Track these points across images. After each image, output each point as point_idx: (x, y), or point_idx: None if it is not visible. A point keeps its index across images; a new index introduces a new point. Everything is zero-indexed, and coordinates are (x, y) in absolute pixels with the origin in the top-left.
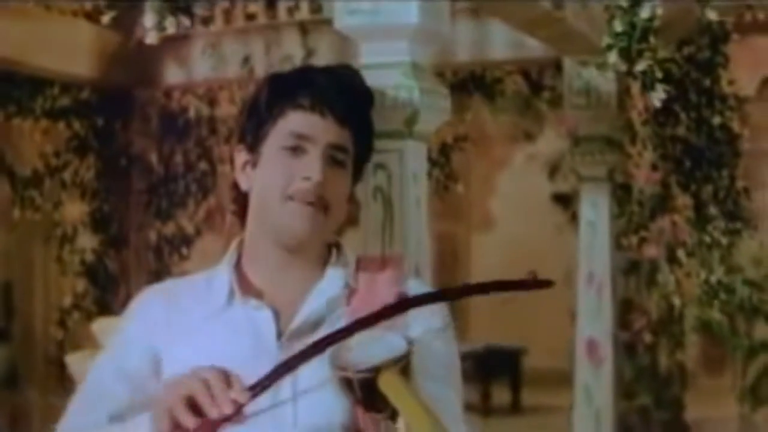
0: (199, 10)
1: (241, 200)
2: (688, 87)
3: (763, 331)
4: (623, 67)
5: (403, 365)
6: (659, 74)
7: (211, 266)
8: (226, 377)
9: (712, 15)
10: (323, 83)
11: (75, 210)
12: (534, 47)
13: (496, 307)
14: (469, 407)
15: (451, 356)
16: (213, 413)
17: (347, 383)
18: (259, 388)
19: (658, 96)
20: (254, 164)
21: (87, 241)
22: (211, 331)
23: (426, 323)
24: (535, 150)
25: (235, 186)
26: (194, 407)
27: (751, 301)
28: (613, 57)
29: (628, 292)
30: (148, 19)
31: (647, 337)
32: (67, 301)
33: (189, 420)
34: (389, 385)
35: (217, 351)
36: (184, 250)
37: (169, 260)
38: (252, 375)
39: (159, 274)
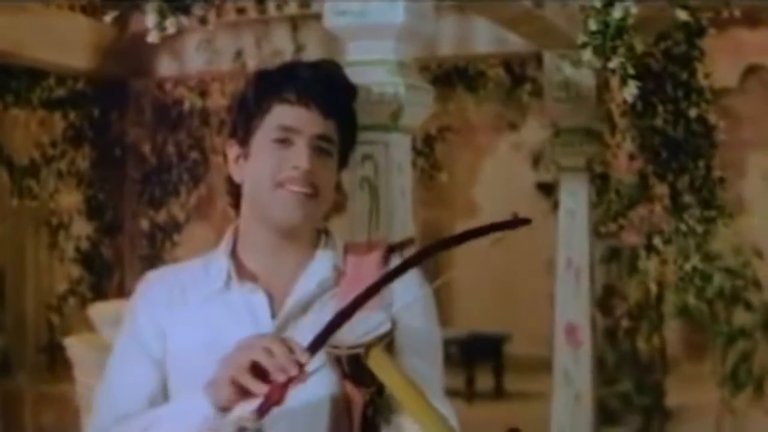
0: (197, 10)
1: (235, 191)
2: (665, 80)
3: (742, 318)
4: (597, 64)
5: (387, 342)
6: (632, 71)
7: (201, 252)
8: (286, 342)
9: (682, 15)
10: (307, 78)
11: (71, 198)
12: (516, 42)
13: (480, 295)
14: (453, 392)
15: (433, 334)
16: (280, 377)
17: (337, 359)
18: (316, 347)
19: (630, 92)
20: (246, 157)
21: (82, 228)
22: (210, 313)
23: (409, 303)
24: (518, 139)
25: (229, 179)
26: (260, 374)
27: (731, 289)
28: (587, 54)
29: (609, 278)
30: (150, 20)
31: (626, 322)
32: (63, 287)
33: (257, 386)
34: (375, 360)
35: (216, 331)
36: (176, 237)
37: (161, 247)
38: None
39: (152, 260)
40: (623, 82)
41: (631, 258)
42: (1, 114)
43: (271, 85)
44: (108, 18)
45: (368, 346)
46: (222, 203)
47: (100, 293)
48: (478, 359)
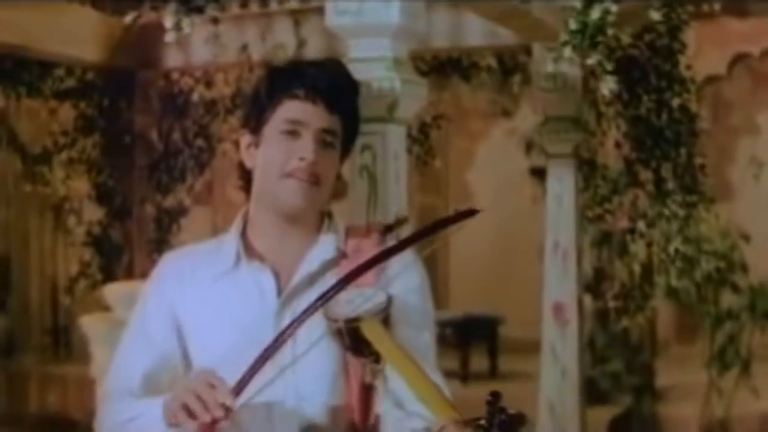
0: (210, 11)
1: (246, 176)
2: (649, 71)
3: (730, 300)
4: (577, 61)
5: (383, 316)
6: (609, 67)
7: (203, 235)
8: (212, 384)
9: (656, 16)
10: (315, 76)
11: (82, 184)
12: (506, 34)
13: (475, 278)
14: (449, 373)
15: (426, 308)
16: (206, 419)
17: (338, 332)
18: (242, 385)
19: (607, 86)
20: (257, 145)
21: (93, 213)
22: (221, 289)
23: (405, 281)
24: (512, 125)
25: (241, 164)
26: (191, 413)
27: (718, 272)
28: (567, 52)
29: (600, 261)
30: (168, 21)
31: (612, 303)
32: (74, 269)
33: (189, 424)
34: (372, 332)
35: (226, 307)
36: (183, 221)
37: (168, 231)
38: (255, 326)
39: (159, 243)
40: (600, 77)
41: (621, 242)
42: (14, 104)
43: (281, 81)
44: (128, 19)
45: (365, 319)
46: (221, 189)
47: (109, 275)
48: (473, 341)
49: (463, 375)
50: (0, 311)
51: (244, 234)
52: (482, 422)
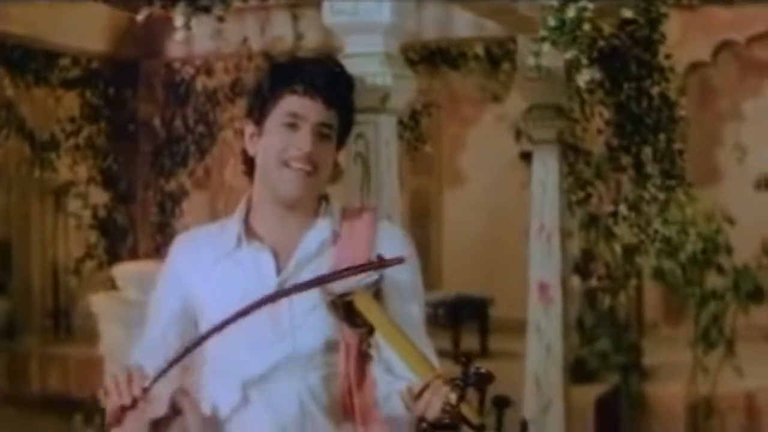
0: (216, 11)
1: (249, 163)
2: (629, 60)
3: (715, 281)
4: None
5: (374, 290)
6: (585, 61)
7: (201, 218)
8: (133, 373)
9: (628, 14)
10: (313, 73)
11: (88, 170)
12: (493, 27)
13: (467, 260)
14: (441, 352)
15: (415, 282)
16: (118, 402)
17: (333, 305)
18: (158, 376)
19: (583, 78)
20: (259, 135)
21: (99, 197)
22: (224, 268)
23: (394, 254)
24: (502, 111)
25: (244, 151)
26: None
27: (703, 253)
28: (546, 47)
29: (588, 244)
30: (178, 21)
31: (596, 282)
32: (76, 251)
33: (108, 404)
34: (364, 305)
35: (229, 284)
36: (184, 205)
37: (170, 214)
38: (252, 300)
39: (161, 225)
40: (577, 70)
41: (607, 225)
42: (22, 93)
43: (283, 77)
44: (140, 17)
45: (358, 293)
46: (219, 174)
47: (115, 256)
48: (465, 321)
49: (455, 354)
50: (1, 294)
51: (247, 217)
52: (458, 381)
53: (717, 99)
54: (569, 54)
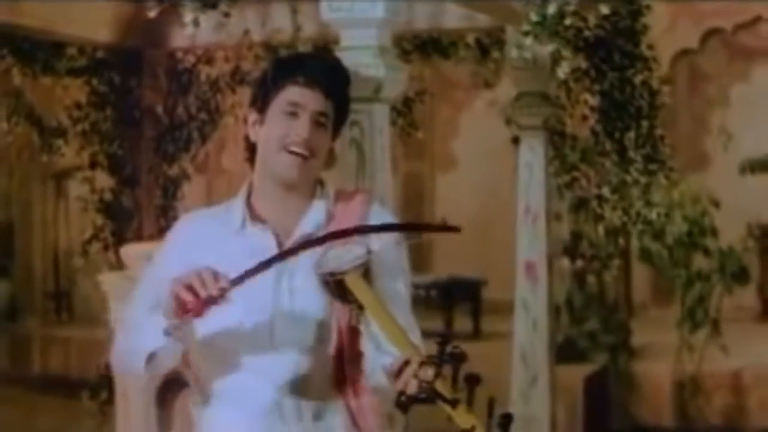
0: (222, 6)
1: (251, 149)
2: (613, 50)
3: (700, 263)
4: (537, 48)
5: (364, 270)
6: (566, 54)
7: (198, 199)
8: (215, 273)
9: (605, 10)
10: (313, 66)
11: (95, 155)
12: (482, 17)
13: (460, 242)
14: (433, 333)
15: (401, 261)
16: (203, 294)
17: (326, 283)
18: (239, 279)
19: (563, 70)
20: (261, 123)
21: (105, 181)
22: (229, 247)
23: (383, 238)
24: (494, 96)
25: (247, 138)
26: (193, 292)
27: (689, 236)
28: (528, 41)
29: (577, 226)
30: (187, 17)
31: (581, 262)
32: (81, 234)
33: (188, 297)
34: (354, 284)
35: (233, 262)
36: (186, 188)
37: (173, 197)
38: (258, 278)
39: (164, 208)
40: (557, 63)
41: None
42: (31, 82)
43: (285, 70)
44: (152, 14)
45: (348, 273)
46: (216, 159)
47: (120, 238)
48: (457, 302)
49: (448, 334)
50: (3, 277)
51: (249, 200)
52: (434, 359)
53: (706, 85)
54: (550, 47)
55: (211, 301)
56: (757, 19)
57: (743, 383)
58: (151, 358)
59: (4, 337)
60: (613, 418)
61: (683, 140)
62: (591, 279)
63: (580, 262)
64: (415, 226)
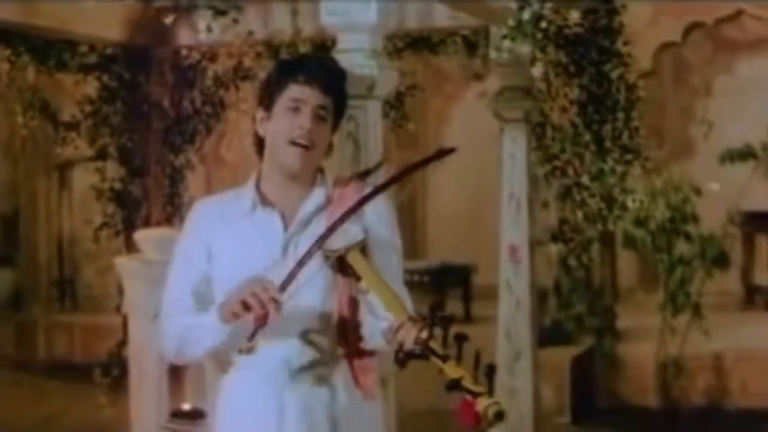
0: (232, 14)
1: (260, 143)
2: (591, 47)
3: (683, 248)
4: (515, 51)
5: (361, 246)
6: (540, 55)
7: (198, 187)
8: (264, 285)
9: (575, 15)
10: (313, 66)
11: (106, 147)
12: (468, 17)
13: (452, 229)
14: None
15: (393, 236)
16: (260, 311)
17: (329, 260)
18: (285, 282)
19: (537, 70)
20: (268, 119)
21: (115, 171)
22: (242, 227)
23: (376, 215)
24: (484, 88)
25: (256, 133)
26: (248, 307)
27: (671, 222)
28: (506, 43)
29: (564, 213)
30: (201, 24)
31: (561, 245)
32: (99, 220)
33: (246, 316)
34: (353, 259)
35: (245, 241)
36: (191, 178)
37: (179, 186)
38: (267, 254)
39: (171, 197)
40: (532, 63)
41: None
42: (45, 78)
43: (288, 70)
44: (169, 21)
45: (348, 250)
46: (215, 150)
47: (130, 225)
48: (449, 287)
49: (438, 302)
50: (9, 265)
51: (258, 186)
52: (427, 321)
53: (691, 76)
54: (525, 49)
55: (269, 315)
56: (738, 14)
57: (725, 365)
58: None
59: (10, 324)
60: (598, 397)
61: (670, 130)
62: (574, 263)
63: (563, 249)
64: (407, 169)
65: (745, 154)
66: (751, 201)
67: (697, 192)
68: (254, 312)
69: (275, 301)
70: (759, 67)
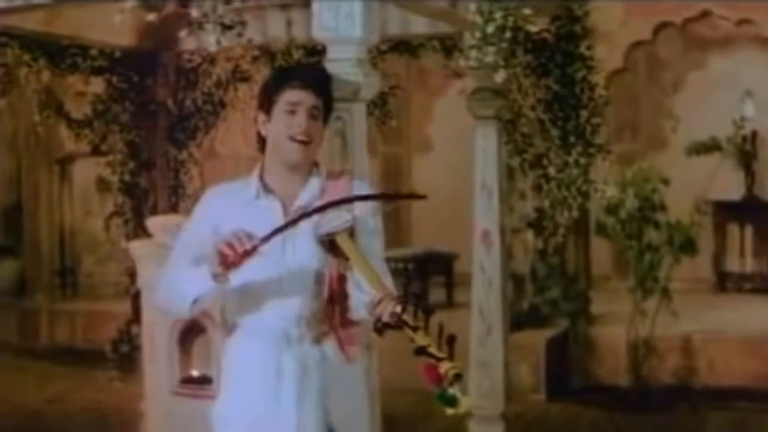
0: (238, 29)
1: (262, 141)
2: (556, 51)
3: (651, 236)
4: (481, 60)
5: (350, 230)
6: (502, 63)
7: (195, 179)
8: (248, 234)
9: (533, 28)
10: (306, 72)
11: (116, 142)
12: (443, 25)
13: (435, 218)
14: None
15: (377, 223)
16: (240, 249)
17: (321, 241)
18: (266, 237)
19: (500, 76)
20: (269, 121)
21: (124, 164)
22: (247, 212)
23: (363, 205)
24: (464, 85)
25: (258, 133)
26: (232, 248)
27: (641, 211)
28: (473, 53)
29: (540, 203)
30: (211, 38)
31: (554, 240)
32: (110, 209)
33: (228, 251)
34: (342, 241)
35: (250, 222)
36: (194, 172)
37: (183, 178)
38: (270, 242)
39: (175, 188)
40: (495, 70)
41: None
42: (59, 80)
43: (284, 77)
44: (182, 34)
45: (338, 233)
46: (210, 145)
47: (138, 214)
48: (432, 274)
49: (409, 284)
50: (13, 255)
51: (261, 176)
52: (401, 298)
53: (664, 73)
54: (489, 58)
55: (246, 254)
56: (705, 14)
57: (693, 346)
58: (194, 301)
59: (13, 312)
60: (573, 376)
61: (643, 123)
62: (549, 250)
63: (553, 241)
64: (388, 196)
65: (711, 146)
66: (721, 191)
67: (665, 182)
68: (229, 259)
69: (254, 245)
70: (728, 63)
